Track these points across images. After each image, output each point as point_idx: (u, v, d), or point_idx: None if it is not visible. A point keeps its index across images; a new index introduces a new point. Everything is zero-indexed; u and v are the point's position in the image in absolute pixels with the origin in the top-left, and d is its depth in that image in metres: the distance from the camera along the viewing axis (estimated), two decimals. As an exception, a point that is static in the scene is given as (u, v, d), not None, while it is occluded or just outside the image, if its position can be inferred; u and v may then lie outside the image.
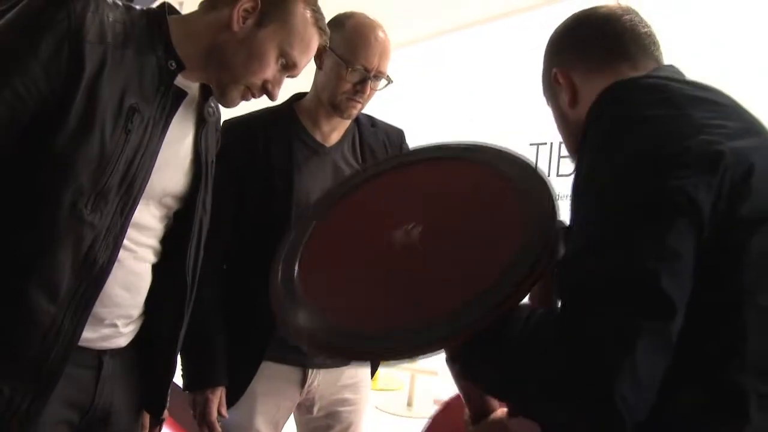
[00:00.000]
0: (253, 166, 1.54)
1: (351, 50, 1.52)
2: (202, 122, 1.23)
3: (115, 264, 1.07)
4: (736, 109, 0.89)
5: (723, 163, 0.76)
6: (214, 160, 1.31)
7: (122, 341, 1.19)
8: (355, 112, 1.59)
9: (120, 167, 1.04)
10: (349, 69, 1.51)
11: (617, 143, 0.81)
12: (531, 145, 5.02)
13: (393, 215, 1.00)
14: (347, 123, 1.64)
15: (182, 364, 1.50)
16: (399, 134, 1.75)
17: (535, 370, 0.76)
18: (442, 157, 1.10)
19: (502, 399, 0.92)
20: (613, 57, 1.00)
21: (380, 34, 1.55)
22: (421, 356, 0.86)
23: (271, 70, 1.16)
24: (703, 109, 0.83)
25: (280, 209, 1.52)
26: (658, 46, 1.04)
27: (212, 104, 1.26)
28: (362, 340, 0.84)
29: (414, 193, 1.04)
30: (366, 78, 1.53)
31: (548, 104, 1.14)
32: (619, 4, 1.08)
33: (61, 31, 0.98)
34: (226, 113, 1.43)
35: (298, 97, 1.68)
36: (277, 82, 1.19)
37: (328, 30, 1.24)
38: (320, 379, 1.56)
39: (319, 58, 1.57)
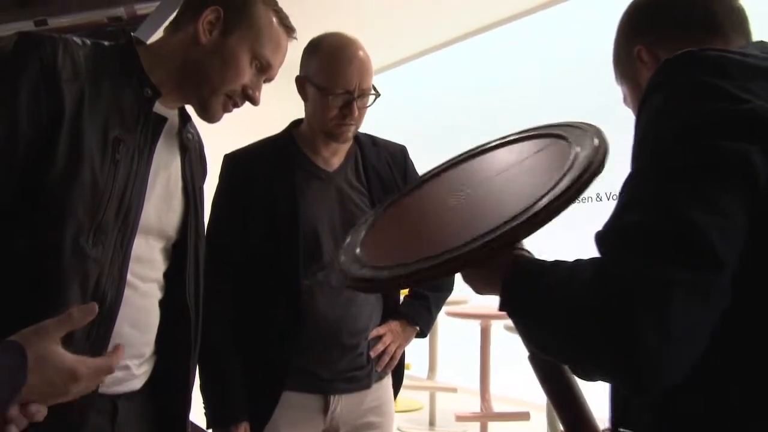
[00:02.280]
0: (257, 197, 1.52)
1: (328, 76, 1.47)
2: (184, 149, 1.23)
3: (122, 302, 1.05)
4: None
5: None
6: (202, 187, 1.30)
7: (136, 383, 1.15)
8: (349, 135, 1.54)
9: (114, 199, 1.04)
10: (331, 96, 1.47)
11: (671, 107, 0.77)
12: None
13: (450, 190, 1.04)
14: (347, 146, 1.63)
15: (203, 402, 1.46)
16: (402, 151, 1.70)
17: (566, 307, 0.72)
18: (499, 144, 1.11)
19: (541, 346, 0.86)
20: (704, 34, 0.93)
21: (355, 51, 1.50)
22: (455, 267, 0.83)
23: (247, 75, 1.17)
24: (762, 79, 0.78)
25: (287, 238, 1.49)
26: (748, 20, 0.97)
27: (191, 130, 1.25)
28: (402, 267, 0.87)
29: (472, 171, 1.08)
30: (350, 100, 1.48)
31: (622, 83, 1.06)
32: None
33: (34, 74, 0.99)
34: (212, 135, 1.41)
35: (296, 123, 1.66)
36: (256, 87, 1.20)
37: (293, 27, 1.24)
38: (343, 404, 1.53)
39: (302, 90, 1.56)
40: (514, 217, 0.81)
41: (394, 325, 1.61)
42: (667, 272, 0.65)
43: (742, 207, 0.69)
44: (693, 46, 0.85)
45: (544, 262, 0.84)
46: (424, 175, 1.19)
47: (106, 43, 1.14)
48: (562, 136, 0.98)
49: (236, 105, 1.20)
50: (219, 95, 1.16)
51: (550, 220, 0.81)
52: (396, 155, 1.69)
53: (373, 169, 1.61)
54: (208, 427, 1.49)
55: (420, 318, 1.67)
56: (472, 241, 0.81)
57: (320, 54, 1.50)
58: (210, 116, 1.18)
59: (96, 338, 1.02)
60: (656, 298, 0.65)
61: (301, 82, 1.54)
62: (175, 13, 1.20)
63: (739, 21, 0.96)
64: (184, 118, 1.24)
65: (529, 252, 0.89)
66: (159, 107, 1.14)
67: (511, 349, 4.63)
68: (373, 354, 1.56)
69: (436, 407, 4.26)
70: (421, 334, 1.69)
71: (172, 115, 1.20)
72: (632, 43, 1.00)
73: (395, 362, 1.63)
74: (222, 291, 1.46)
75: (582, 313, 0.69)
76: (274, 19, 1.19)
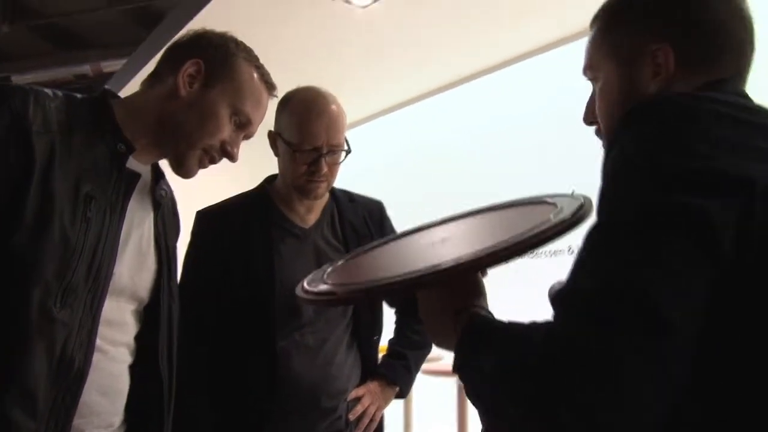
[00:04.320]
0: (230, 255, 1.47)
1: (296, 132, 1.44)
2: (157, 206, 1.19)
3: (91, 368, 0.99)
4: None
5: (746, 188, 0.67)
6: (175, 245, 1.25)
7: None
8: (321, 192, 1.50)
9: (85, 258, 0.99)
10: (298, 152, 1.44)
11: (630, 157, 0.73)
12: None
13: (424, 242, 1.04)
14: (323, 202, 1.59)
15: None
16: (379, 207, 1.68)
17: (512, 366, 0.69)
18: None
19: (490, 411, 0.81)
20: (721, 59, 0.84)
21: (326, 106, 1.46)
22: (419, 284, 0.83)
23: (226, 130, 1.14)
24: (739, 131, 0.73)
25: (263, 298, 1.44)
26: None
27: (164, 187, 1.21)
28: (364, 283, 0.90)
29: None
30: (318, 156, 1.44)
31: (598, 66, 0.91)
32: None
33: (4, 125, 0.95)
34: (186, 190, 1.37)
35: (270, 179, 1.63)
36: (235, 143, 1.17)
37: (275, 84, 1.22)
38: None
39: (273, 145, 1.53)
40: (481, 251, 0.81)
41: (372, 385, 1.56)
42: (615, 341, 0.62)
43: (700, 266, 0.65)
44: (708, 66, 0.81)
45: (499, 322, 0.81)
46: (396, 234, 1.18)
47: (78, 95, 1.11)
48: (547, 202, 0.97)
49: (213, 161, 1.16)
50: (196, 150, 1.13)
51: (518, 254, 0.80)
52: (373, 211, 1.66)
53: (350, 226, 1.58)
54: None
55: (399, 378, 1.61)
56: (435, 266, 0.81)
57: (290, 109, 1.48)
58: (185, 171, 1.15)
59: (62, 407, 0.96)
60: (602, 368, 0.61)
61: (273, 138, 1.52)
62: (154, 66, 1.18)
63: (750, 58, 0.87)
64: (157, 174, 1.20)
65: (487, 311, 0.87)
66: (132, 162, 1.10)
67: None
68: (352, 417, 1.50)
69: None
70: (401, 395, 1.64)
71: (145, 171, 1.16)
72: (650, 35, 0.85)
73: (375, 425, 1.57)
74: (195, 354, 1.39)
75: (524, 373, 0.66)
76: (256, 75, 1.17)
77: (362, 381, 1.55)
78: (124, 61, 4.90)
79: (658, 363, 0.62)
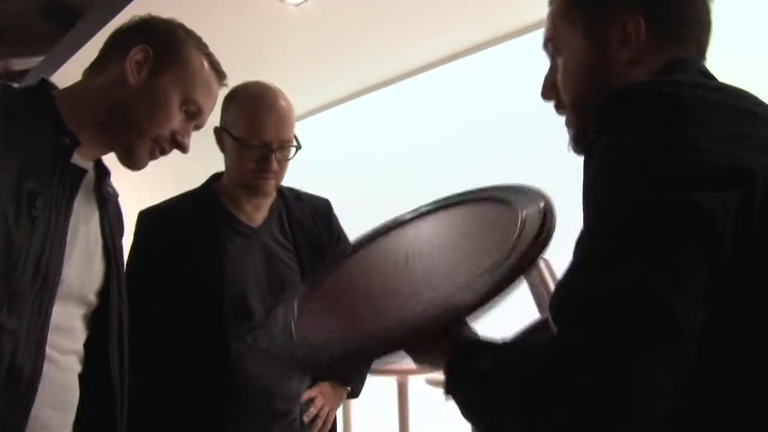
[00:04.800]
0: (176, 256, 1.41)
1: (244, 127, 1.40)
2: (103, 204, 1.13)
3: (41, 379, 0.92)
4: None
5: (746, 180, 0.66)
6: (122, 245, 1.19)
7: None
8: (269, 189, 1.46)
9: (30, 260, 0.91)
10: (246, 147, 1.40)
11: (621, 155, 0.70)
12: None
13: (387, 261, 0.99)
14: (270, 200, 1.54)
15: None
16: (326, 205, 1.65)
17: (516, 389, 0.65)
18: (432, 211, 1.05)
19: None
20: (690, 42, 0.84)
21: (275, 101, 1.42)
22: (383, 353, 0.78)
23: (177, 119, 1.09)
24: (727, 118, 0.72)
25: (212, 300, 1.39)
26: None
27: (110, 184, 1.16)
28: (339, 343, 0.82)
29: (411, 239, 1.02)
30: (267, 153, 1.40)
31: (560, 37, 0.88)
32: None
33: None
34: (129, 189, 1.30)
35: (216, 177, 1.57)
36: (186, 132, 1.12)
37: (225, 73, 1.18)
38: None
39: (220, 141, 1.48)
40: (451, 295, 0.76)
41: (324, 386, 1.53)
42: (628, 347, 0.61)
43: (703, 265, 0.64)
44: (672, 43, 0.81)
45: (488, 342, 0.76)
46: (358, 241, 1.12)
47: (15, 84, 1.03)
48: (503, 200, 0.93)
49: (163, 152, 1.11)
50: (146, 139, 1.08)
51: (493, 303, 0.75)
52: (320, 209, 1.64)
53: (299, 224, 1.55)
54: None
55: (352, 378, 1.60)
56: (406, 323, 0.76)
57: (238, 103, 1.44)
58: (135, 162, 1.09)
59: (11, 424, 0.89)
60: (617, 376, 0.60)
61: (219, 133, 1.47)
62: (96, 55, 1.12)
63: (709, 31, 0.87)
64: (102, 170, 1.14)
65: (472, 331, 0.81)
66: (75, 158, 1.04)
67: (430, 404, 4.58)
68: (306, 419, 1.47)
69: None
70: (353, 395, 1.62)
71: (89, 167, 1.10)
72: (621, 3, 0.83)
73: (328, 426, 1.54)
74: (142, 360, 1.33)
75: (538, 393, 0.63)
76: (206, 63, 1.13)
77: (314, 381, 1.52)
78: (35, 59, 4.67)
79: (673, 366, 0.62)
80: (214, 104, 1.17)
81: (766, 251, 0.66)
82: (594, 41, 0.84)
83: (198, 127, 1.15)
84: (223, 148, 1.48)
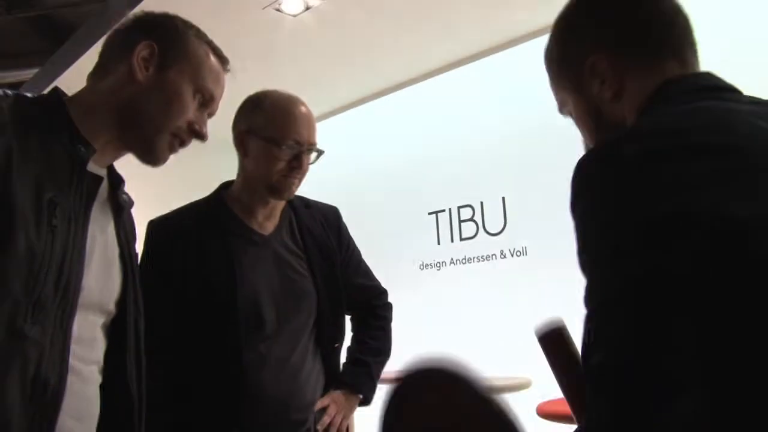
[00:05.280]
0: (187, 265, 1.39)
1: (278, 128, 1.43)
2: (118, 212, 1.12)
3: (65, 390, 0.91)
4: None
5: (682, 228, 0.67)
6: (137, 254, 1.18)
7: None
8: (294, 190, 1.49)
9: (53, 269, 0.91)
10: (282, 147, 1.42)
11: (593, 219, 0.72)
12: (429, 213, 5.12)
13: None
14: (281, 208, 1.55)
15: None
16: (335, 213, 1.65)
17: None
18: None
19: None
20: (662, 50, 0.84)
21: (302, 106, 1.49)
22: None
23: (191, 109, 1.10)
24: (681, 162, 0.70)
25: (226, 309, 1.38)
26: (695, 41, 0.88)
27: (125, 191, 1.15)
28: None
29: None
30: (300, 152, 1.44)
31: (562, 91, 0.93)
32: None
33: None
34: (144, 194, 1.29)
35: (225, 186, 1.57)
36: (203, 121, 1.13)
37: (227, 58, 1.19)
38: None
39: (242, 144, 1.49)
40: None
41: (337, 395, 1.52)
42: (638, 414, 0.66)
43: (685, 315, 0.66)
44: (651, 64, 0.83)
45: None
46: None
47: (29, 94, 1.03)
48: None
49: (183, 144, 1.11)
50: (165, 134, 1.07)
51: None
52: (329, 217, 1.64)
53: (309, 232, 1.55)
54: None
55: (363, 386, 1.59)
56: None
57: (268, 106, 1.46)
58: (156, 158, 1.09)
59: None
60: None
61: (242, 137, 1.47)
62: (97, 60, 1.12)
63: (691, 39, 0.88)
64: (116, 178, 1.13)
65: None
66: (90, 165, 1.03)
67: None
68: (320, 428, 1.46)
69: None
70: (365, 402, 1.61)
71: (104, 175, 1.09)
72: (579, 53, 0.87)
73: (342, 434, 1.53)
74: (156, 372, 1.32)
75: None
76: (209, 51, 1.14)
77: (325, 389, 1.52)
78: (25, 72, 4.65)
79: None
80: (223, 90, 1.17)
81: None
82: (582, 93, 0.88)
83: (211, 115, 1.15)
84: (245, 152, 1.48)
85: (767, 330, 0.65)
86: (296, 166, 1.44)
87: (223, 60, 1.17)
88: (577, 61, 0.87)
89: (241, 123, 1.48)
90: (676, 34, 0.86)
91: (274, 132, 1.43)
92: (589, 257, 0.73)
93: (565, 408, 2.35)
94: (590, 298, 0.72)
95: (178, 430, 1.35)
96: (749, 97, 0.82)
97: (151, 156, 1.09)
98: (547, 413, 2.34)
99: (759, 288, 0.65)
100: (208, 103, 1.13)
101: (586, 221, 0.73)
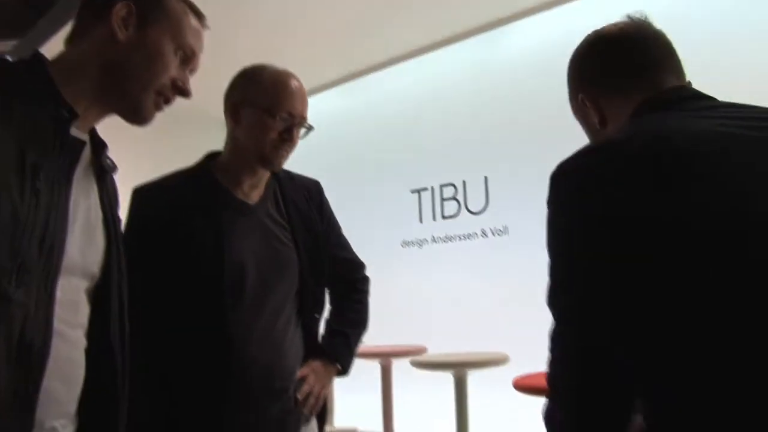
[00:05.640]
0: (173, 233, 1.40)
1: (274, 99, 1.46)
2: (101, 177, 1.12)
3: (50, 352, 0.93)
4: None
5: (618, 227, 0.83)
6: (120, 219, 1.19)
7: None
8: (284, 162, 1.51)
9: (36, 233, 0.91)
10: (277, 117, 1.45)
11: (549, 226, 0.91)
12: (412, 191, 5.14)
13: None
14: (266, 179, 1.57)
15: None
16: (318, 186, 1.68)
17: None
18: None
19: None
20: (630, 78, 1.03)
21: (297, 81, 1.52)
22: None
23: (174, 66, 1.11)
24: (632, 176, 0.85)
25: (210, 277, 1.40)
26: (673, 54, 1.05)
27: (109, 156, 1.16)
28: None
29: None
30: (292, 125, 1.47)
31: (580, 123, 1.17)
32: (629, 17, 1.09)
33: None
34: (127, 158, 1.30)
35: (211, 155, 1.58)
36: (186, 78, 1.14)
37: (204, 14, 1.19)
38: None
39: (236, 114, 1.50)
40: None
41: (316, 365, 1.55)
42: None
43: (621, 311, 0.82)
44: (621, 91, 1.03)
45: None
46: None
47: (8, 58, 1.03)
48: None
49: (168, 101, 1.12)
50: (149, 92, 1.08)
51: None
52: (312, 190, 1.65)
53: (293, 204, 1.56)
54: None
55: (341, 357, 1.62)
56: None
57: (265, 77, 1.49)
58: (143, 117, 1.10)
59: (24, 396, 0.89)
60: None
61: (236, 107, 1.48)
62: (71, 25, 1.11)
63: (659, 59, 1.04)
64: (99, 142, 1.13)
65: None
66: (73, 130, 1.03)
67: (412, 387, 4.64)
68: (300, 397, 1.48)
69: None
70: (343, 372, 1.64)
71: (87, 139, 1.09)
72: (576, 91, 1.11)
73: (321, 403, 1.56)
74: (139, 339, 1.34)
75: None
76: (187, 8, 1.15)
77: (305, 359, 1.54)
78: (5, 42, 4.58)
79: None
80: (203, 47, 1.18)
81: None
82: (584, 121, 1.14)
83: (193, 71, 1.17)
84: (237, 122, 1.49)
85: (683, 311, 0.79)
86: (287, 139, 1.47)
87: (200, 16, 1.18)
88: (575, 96, 1.12)
89: (236, 93, 1.49)
90: (646, 63, 1.03)
91: (270, 103, 1.45)
92: (549, 254, 0.90)
93: (540, 382, 2.41)
94: (548, 290, 0.90)
95: (166, 397, 1.37)
96: (722, 103, 0.96)
97: (138, 115, 1.09)
98: (523, 387, 2.39)
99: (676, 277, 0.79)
100: (189, 59, 1.14)
101: (547, 224, 0.91)
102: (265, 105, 1.45)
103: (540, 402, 1.26)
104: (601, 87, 1.07)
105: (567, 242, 0.88)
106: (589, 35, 1.10)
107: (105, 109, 1.10)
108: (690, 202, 0.79)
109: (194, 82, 1.19)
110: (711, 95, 0.99)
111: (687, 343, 0.77)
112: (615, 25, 1.08)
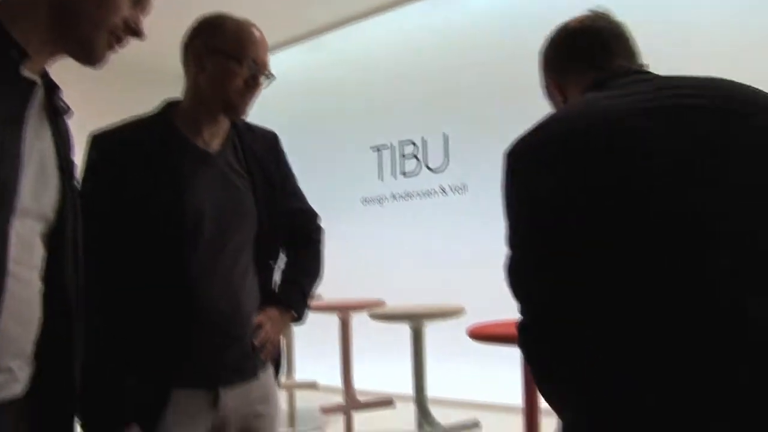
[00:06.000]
0: (132, 178, 1.40)
1: (240, 46, 1.46)
2: (55, 119, 1.10)
3: (5, 293, 0.93)
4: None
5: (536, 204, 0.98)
6: (74, 162, 1.18)
7: (18, 388, 1.02)
8: (247, 110, 1.52)
9: None
10: (243, 64, 1.46)
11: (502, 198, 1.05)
12: (372, 149, 5.16)
13: None
14: (226, 128, 1.56)
15: (83, 410, 1.32)
16: (275, 138, 1.67)
17: None
18: None
19: None
20: (584, 62, 1.19)
21: (258, 31, 1.52)
22: None
23: (125, 5, 1.09)
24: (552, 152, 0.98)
25: (172, 225, 1.39)
26: (627, 40, 1.21)
27: (62, 98, 1.14)
28: None
29: None
30: (257, 73, 1.48)
31: (550, 104, 1.32)
32: (591, 11, 1.25)
33: None
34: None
35: (170, 103, 1.55)
36: (138, 19, 1.12)
37: None
38: (232, 397, 1.46)
39: (199, 60, 1.49)
40: None
41: (272, 312, 1.58)
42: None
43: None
44: (581, 74, 1.17)
45: None
46: None
47: None
48: None
49: (120, 41, 1.10)
50: (102, 31, 1.06)
51: None
52: (270, 140, 1.66)
53: (251, 152, 1.57)
54: None
55: (296, 304, 1.65)
56: None
57: (228, 25, 1.48)
58: (96, 57, 1.08)
59: None
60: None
61: (199, 54, 1.47)
62: None
63: (619, 44, 1.19)
64: (52, 84, 1.12)
65: None
66: (24, 71, 1.02)
67: (372, 340, 4.71)
68: (257, 343, 1.51)
69: (296, 405, 4.23)
70: (298, 319, 1.67)
71: (38, 80, 1.08)
72: (545, 76, 1.29)
73: (276, 349, 1.60)
74: (97, 283, 1.34)
75: None
76: None
77: (261, 306, 1.57)
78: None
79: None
80: None
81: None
82: (551, 99, 1.31)
83: (144, 13, 1.15)
84: (200, 68, 1.48)
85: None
86: (253, 85, 1.48)
87: None
88: (544, 81, 1.29)
89: (199, 40, 1.48)
90: (599, 49, 1.18)
91: (236, 50, 1.46)
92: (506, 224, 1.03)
93: (493, 330, 2.47)
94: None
95: (125, 342, 1.38)
96: (653, 78, 1.08)
97: (91, 55, 1.08)
98: (477, 334, 2.47)
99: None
100: (141, 0, 1.12)
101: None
102: (230, 52, 1.45)
103: (493, 350, 1.34)
104: (562, 72, 1.24)
105: (511, 214, 1.02)
106: (554, 28, 1.27)
107: (56, 50, 1.08)
108: (587, 176, 0.92)
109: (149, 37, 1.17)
110: (651, 72, 1.12)
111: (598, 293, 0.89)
112: (576, 18, 1.24)
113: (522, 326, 0.96)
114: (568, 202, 0.92)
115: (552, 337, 0.92)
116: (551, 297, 0.93)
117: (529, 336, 0.96)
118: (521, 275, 0.98)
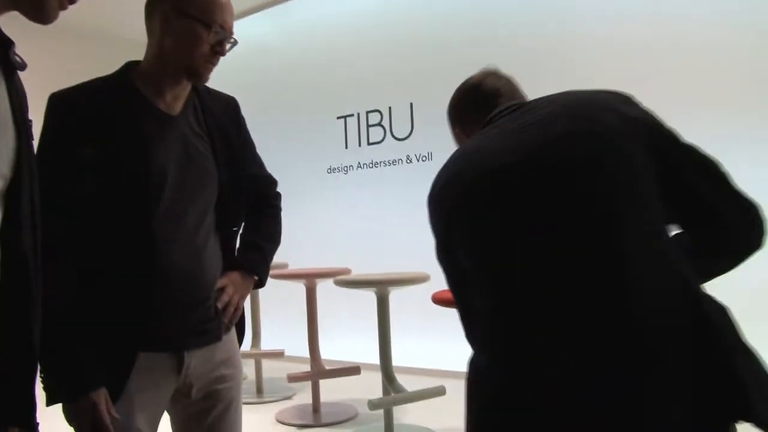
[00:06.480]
0: (93, 139, 1.38)
1: (209, 11, 1.45)
2: (10, 73, 1.06)
3: None
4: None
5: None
6: (30, 120, 1.15)
7: None
8: (210, 76, 1.51)
9: None
10: (211, 30, 1.44)
11: None
12: (338, 118, 5.13)
13: None
14: (187, 91, 1.54)
15: (47, 378, 1.31)
16: (235, 103, 1.67)
17: None
18: None
19: None
20: (479, 111, 1.44)
21: None
22: None
23: None
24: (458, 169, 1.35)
25: (135, 187, 1.38)
26: (513, 85, 1.49)
27: (18, 53, 1.11)
28: None
29: None
30: (224, 38, 1.47)
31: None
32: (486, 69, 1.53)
33: None
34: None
35: (131, 65, 1.53)
36: None
37: None
38: (196, 360, 1.46)
39: (165, 22, 1.45)
40: None
41: (234, 276, 1.58)
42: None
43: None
44: (478, 121, 1.41)
45: None
46: None
47: None
48: None
49: (72, 0, 1.08)
50: None
51: None
52: (230, 105, 1.65)
53: (211, 116, 1.56)
54: (51, 402, 1.34)
55: (258, 268, 1.65)
56: None
57: None
58: (47, 15, 1.05)
59: None
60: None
61: (167, 15, 1.44)
62: None
63: (492, 99, 1.44)
64: (6, 39, 1.09)
65: None
66: None
67: (338, 309, 4.73)
68: (220, 305, 1.52)
69: (262, 375, 4.25)
70: (259, 284, 1.68)
71: None
72: (453, 126, 1.58)
73: (239, 313, 1.60)
74: (59, 245, 1.32)
75: None
76: None
77: (223, 271, 1.57)
78: None
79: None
80: None
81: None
82: (459, 144, 1.55)
83: None
84: (166, 31, 1.45)
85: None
86: (219, 51, 1.46)
87: None
88: (453, 130, 1.59)
89: (167, 2, 1.45)
90: (489, 97, 1.44)
91: (205, 14, 1.43)
92: None
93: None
94: None
95: (86, 302, 1.37)
96: (518, 106, 1.36)
97: (42, 13, 1.05)
98: (440, 300, 2.51)
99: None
100: None
101: None
102: (199, 16, 1.43)
103: (454, 312, 1.40)
104: (464, 123, 1.52)
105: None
106: (456, 89, 1.55)
107: (6, 6, 1.05)
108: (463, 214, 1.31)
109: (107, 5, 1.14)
110: (522, 104, 1.36)
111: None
112: (471, 77, 1.52)
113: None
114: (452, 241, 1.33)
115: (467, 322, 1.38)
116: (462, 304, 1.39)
117: (462, 322, 1.39)
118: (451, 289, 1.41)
